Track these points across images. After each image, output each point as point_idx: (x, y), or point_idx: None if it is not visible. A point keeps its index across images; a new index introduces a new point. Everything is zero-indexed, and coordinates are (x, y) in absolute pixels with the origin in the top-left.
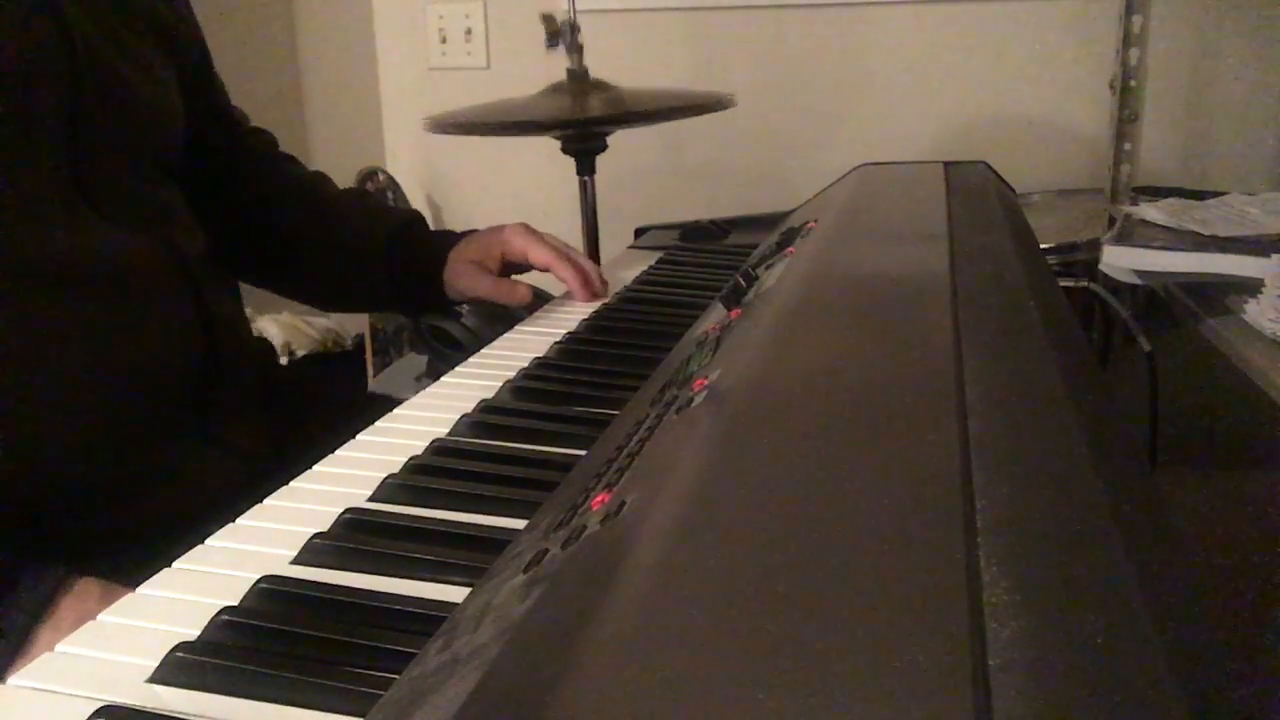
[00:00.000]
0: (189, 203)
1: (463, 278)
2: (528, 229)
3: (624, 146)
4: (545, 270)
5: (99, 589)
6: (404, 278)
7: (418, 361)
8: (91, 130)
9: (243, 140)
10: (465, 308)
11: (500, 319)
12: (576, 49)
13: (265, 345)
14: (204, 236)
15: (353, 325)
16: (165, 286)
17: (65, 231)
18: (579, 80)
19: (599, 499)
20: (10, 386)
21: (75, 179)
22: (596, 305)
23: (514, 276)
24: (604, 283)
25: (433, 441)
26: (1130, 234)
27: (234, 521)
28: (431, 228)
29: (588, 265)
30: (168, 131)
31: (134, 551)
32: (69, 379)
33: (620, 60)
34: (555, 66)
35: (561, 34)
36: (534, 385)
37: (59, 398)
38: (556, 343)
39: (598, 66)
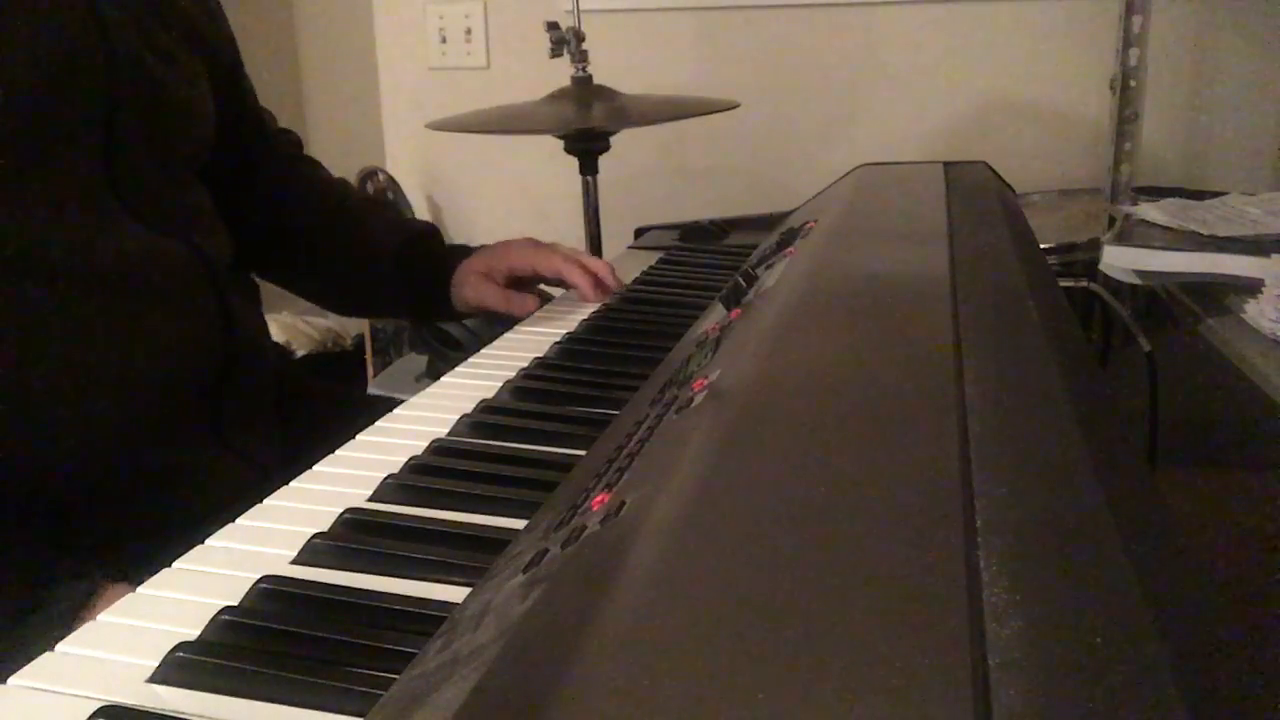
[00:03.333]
0: (214, 203)
1: (469, 289)
2: (533, 241)
3: (626, 146)
4: (556, 280)
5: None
6: (412, 288)
7: (418, 361)
8: (127, 130)
9: (270, 141)
10: None
11: (500, 319)
12: (580, 57)
13: (278, 349)
14: (229, 240)
15: (353, 325)
16: (192, 290)
17: (99, 232)
18: (582, 87)
19: (599, 499)
20: (37, 384)
21: (110, 179)
22: (596, 305)
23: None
24: (618, 281)
25: (433, 441)
26: (1130, 234)
27: (234, 521)
28: (433, 229)
29: (598, 267)
30: (199, 133)
31: (145, 554)
32: (95, 378)
33: (623, 60)
34: (556, 67)
35: (566, 42)
36: (534, 385)
37: (83, 397)
38: (556, 343)
39: (600, 67)
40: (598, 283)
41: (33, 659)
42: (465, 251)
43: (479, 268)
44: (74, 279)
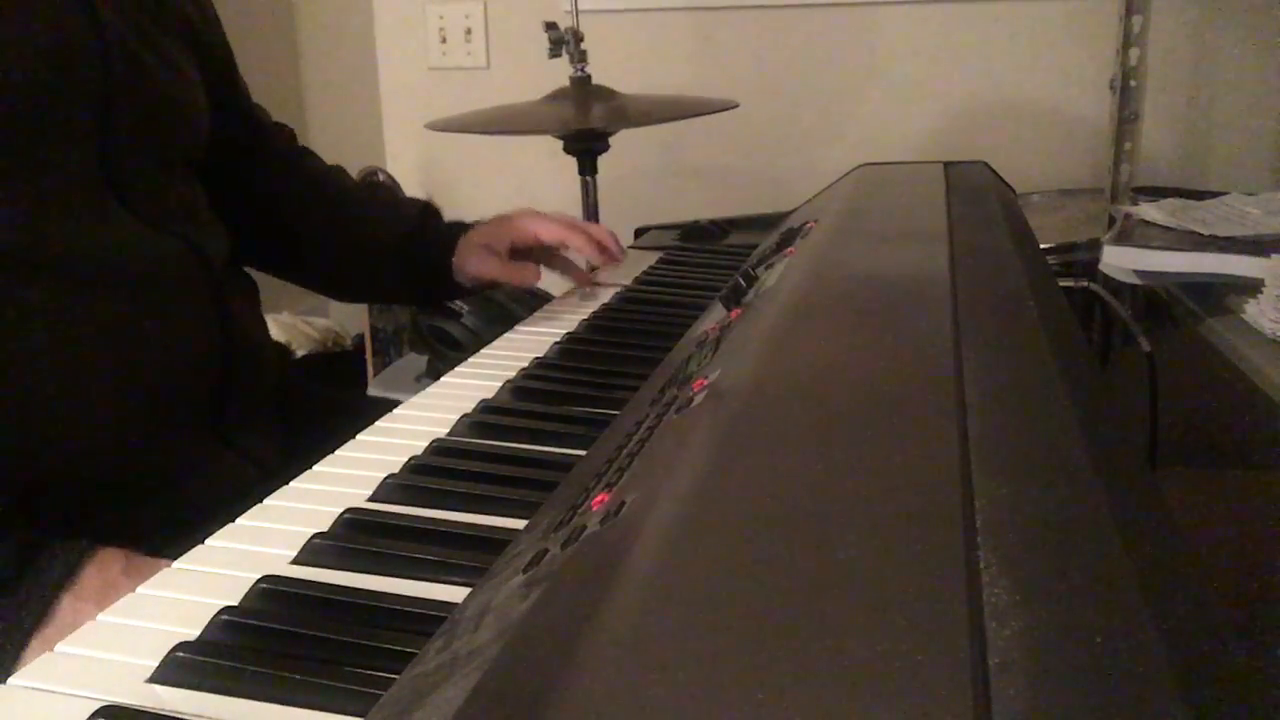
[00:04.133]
0: (209, 200)
1: (471, 261)
2: (534, 211)
3: (625, 146)
4: (560, 246)
5: (123, 558)
6: (416, 268)
7: (418, 361)
8: (122, 127)
9: (266, 137)
10: (465, 307)
11: (500, 319)
12: (579, 57)
13: (279, 348)
14: (225, 237)
15: (353, 325)
16: (189, 286)
17: (96, 229)
18: (581, 87)
19: (599, 499)
20: (35, 383)
21: (106, 176)
22: (596, 305)
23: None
24: (620, 247)
25: (433, 441)
26: (1130, 234)
27: (234, 521)
28: (431, 208)
29: (600, 232)
30: (194, 129)
31: (145, 553)
32: (93, 376)
33: (622, 60)
34: (556, 67)
35: (564, 42)
36: (534, 385)
37: (82, 395)
38: (556, 343)
39: (600, 67)
40: (601, 248)
41: (25, 623)
42: (465, 227)
43: (480, 240)
44: (70, 275)
